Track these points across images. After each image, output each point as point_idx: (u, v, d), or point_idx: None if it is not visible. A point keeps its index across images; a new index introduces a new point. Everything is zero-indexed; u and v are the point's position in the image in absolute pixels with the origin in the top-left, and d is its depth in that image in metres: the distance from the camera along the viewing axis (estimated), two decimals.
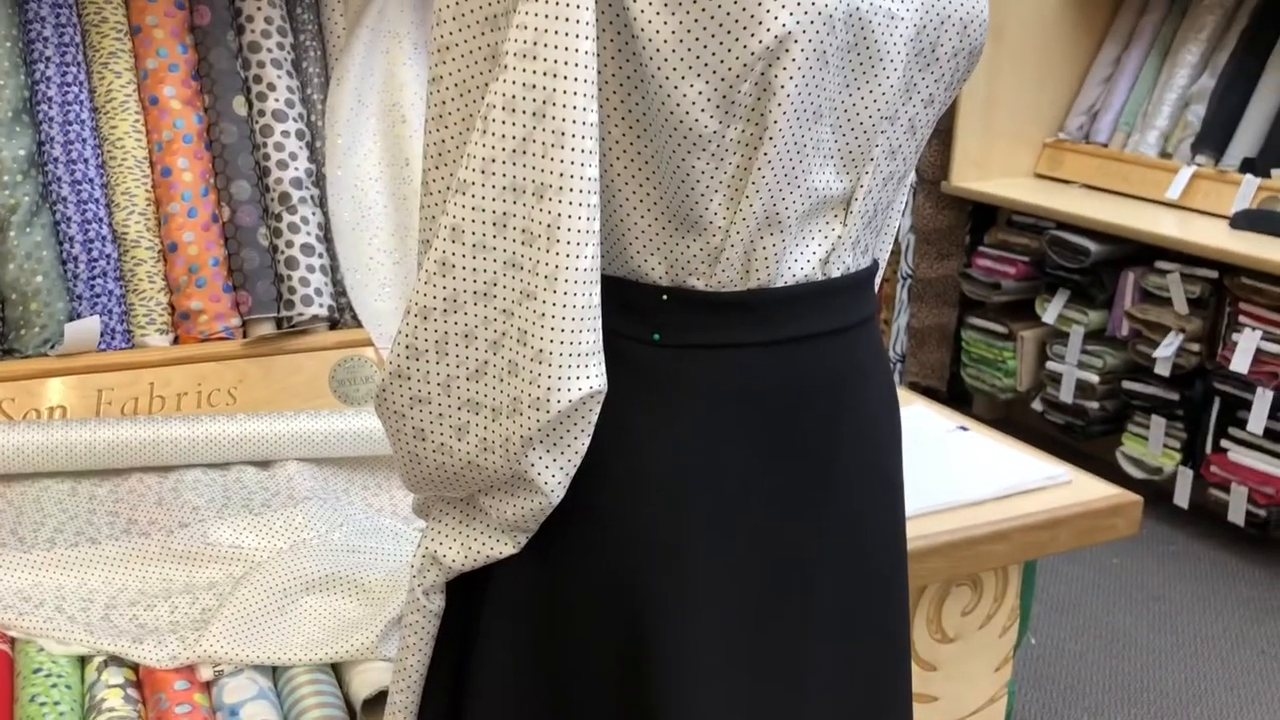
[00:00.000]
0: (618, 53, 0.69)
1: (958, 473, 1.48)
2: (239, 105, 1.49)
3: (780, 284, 0.74)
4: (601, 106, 0.70)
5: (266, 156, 1.49)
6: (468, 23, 0.70)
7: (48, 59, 1.40)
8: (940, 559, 1.33)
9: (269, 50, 1.50)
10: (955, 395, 3.56)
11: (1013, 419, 3.49)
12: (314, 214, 1.51)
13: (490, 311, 0.69)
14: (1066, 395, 3.08)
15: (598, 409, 0.71)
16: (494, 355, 0.70)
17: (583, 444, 0.71)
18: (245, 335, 1.46)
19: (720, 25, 0.66)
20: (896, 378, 3.59)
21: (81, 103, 1.41)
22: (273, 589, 1.00)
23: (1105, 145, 3.26)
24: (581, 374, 0.68)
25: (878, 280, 0.86)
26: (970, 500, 1.40)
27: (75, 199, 1.39)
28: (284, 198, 1.49)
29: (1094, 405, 3.04)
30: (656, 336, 0.74)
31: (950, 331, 3.51)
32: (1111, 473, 3.01)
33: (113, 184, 1.42)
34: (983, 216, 3.40)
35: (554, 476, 0.71)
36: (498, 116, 0.67)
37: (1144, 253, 2.88)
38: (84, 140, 1.41)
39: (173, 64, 1.45)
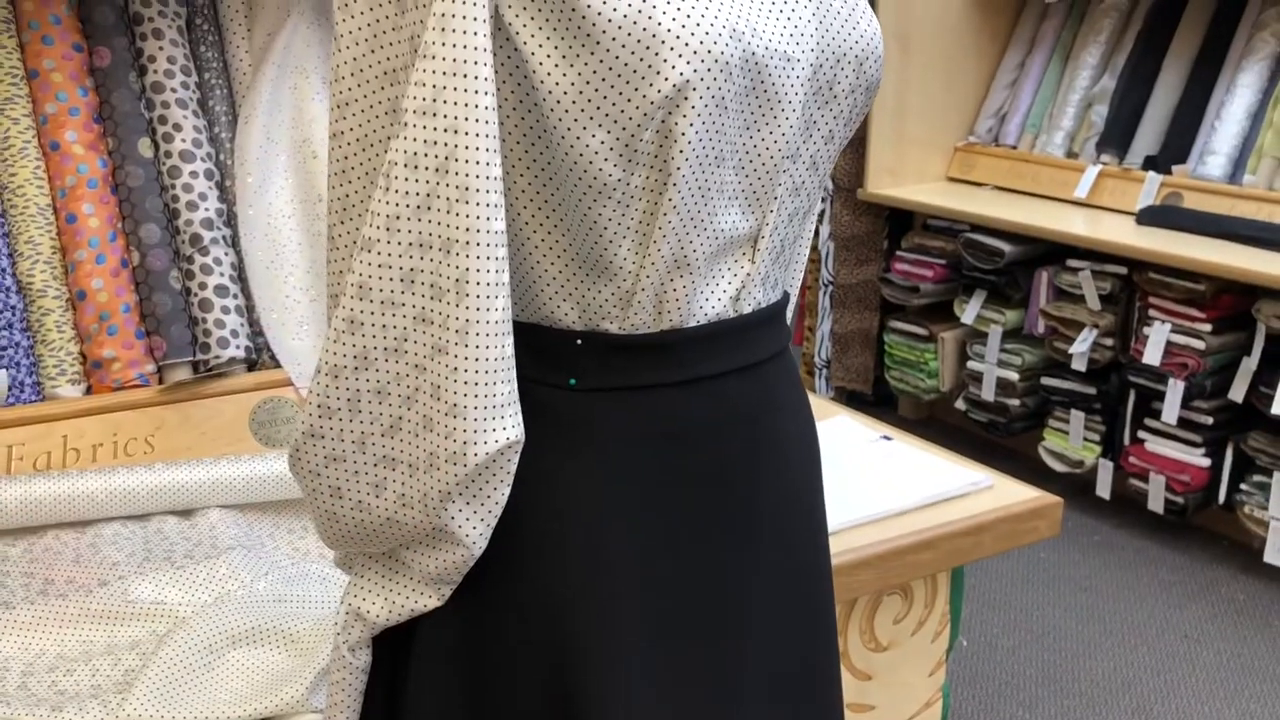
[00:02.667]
0: (519, 104, 0.69)
1: (882, 483, 1.50)
2: (144, 147, 1.46)
3: (693, 324, 0.75)
4: (506, 157, 0.70)
5: (175, 198, 1.47)
6: (366, 78, 0.69)
7: None
8: (869, 571, 1.35)
9: (173, 90, 1.48)
10: (880, 398, 3.61)
11: (937, 418, 3.56)
12: (227, 254, 1.48)
13: (402, 367, 0.68)
14: (988, 393, 3.14)
15: (516, 458, 0.70)
16: (408, 411, 0.69)
17: (502, 494, 0.71)
18: (161, 381, 1.43)
19: (619, 76, 0.67)
20: (822, 384, 3.63)
21: None
22: (198, 645, 0.98)
23: (1014, 147, 3.34)
24: (497, 425, 0.68)
25: (789, 312, 0.87)
26: (895, 510, 1.42)
27: None
28: (195, 239, 1.46)
29: (1015, 402, 3.10)
30: (572, 381, 0.74)
31: (873, 335, 3.56)
32: (1035, 467, 3.08)
33: (15, 233, 1.39)
34: (899, 221, 3.46)
35: (475, 528, 0.71)
36: (400, 174, 0.67)
37: (1056, 251, 2.95)
38: None
39: (73, 108, 1.42)
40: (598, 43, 0.66)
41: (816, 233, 3.50)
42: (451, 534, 0.71)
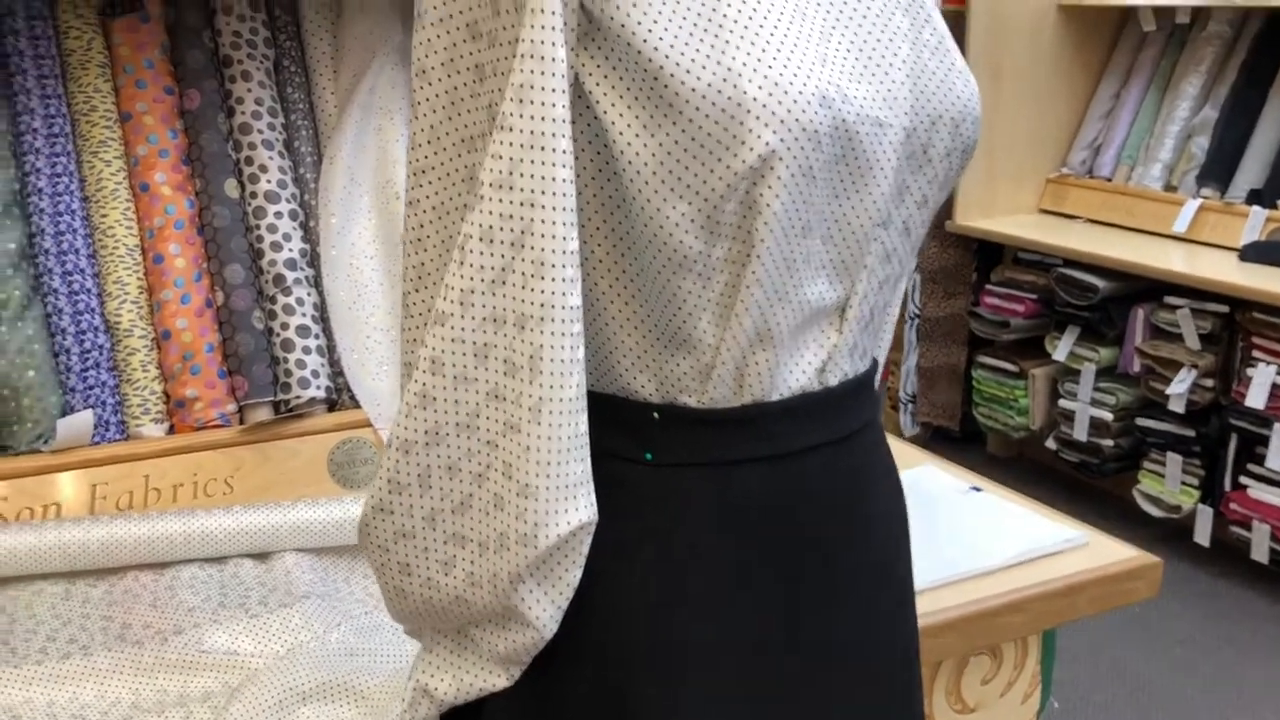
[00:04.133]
0: (598, 173, 0.67)
1: (970, 539, 1.44)
2: (231, 188, 1.48)
3: (776, 397, 0.72)
4: (584, 226, 0.68)
5: (260, 238, 1.48)
6: (443, 145, 0.68)
7: (37, 150, 1.39)
8: (954, 634, 1.30)
9: (260, 131, 1.49)
10: (968, 434, 3.53)
11: (1027, 456, 3.46)
12: (309, 295, 1.49)
13: (474, 444, 0.67)
14: (1080, 433, 3.04)
15: (589, 540, 0.68)
16: (479, 489, 0.67)
17: (574, 576, 0.68)
18: (242, 421, 1.44)
19: (701, 146, 0.64)
20: (907, 419, 3.55)
21: (72, 193, 1.40)
22: (268, 701, 0.97)
23: (1109, 179, 3.24)
24: (570, 506, 0.66)
25: (877, 379, 0.83)
26: (984, 569, 1.37)
27: (67, 290, 1.38)
28: (278, 279, 1.47)
29: (1109, 443, 3.00)
30: (649, 455, 0.72)
31: (960, 370, 3.48)
32: (1129, 511, 2.97)
33: (104, 273, 1.41)
34: (989, 254, 3.38)
35: (545, 610, 0.68)
36: (475, 247, 0.65)
37: (1153, 288, 2.86)
38: (74, 230, 1.39)
39: (162, 149, 1.44)
40: (680, 112, 0.64)
41: None
42: (521, 615, 0.68)
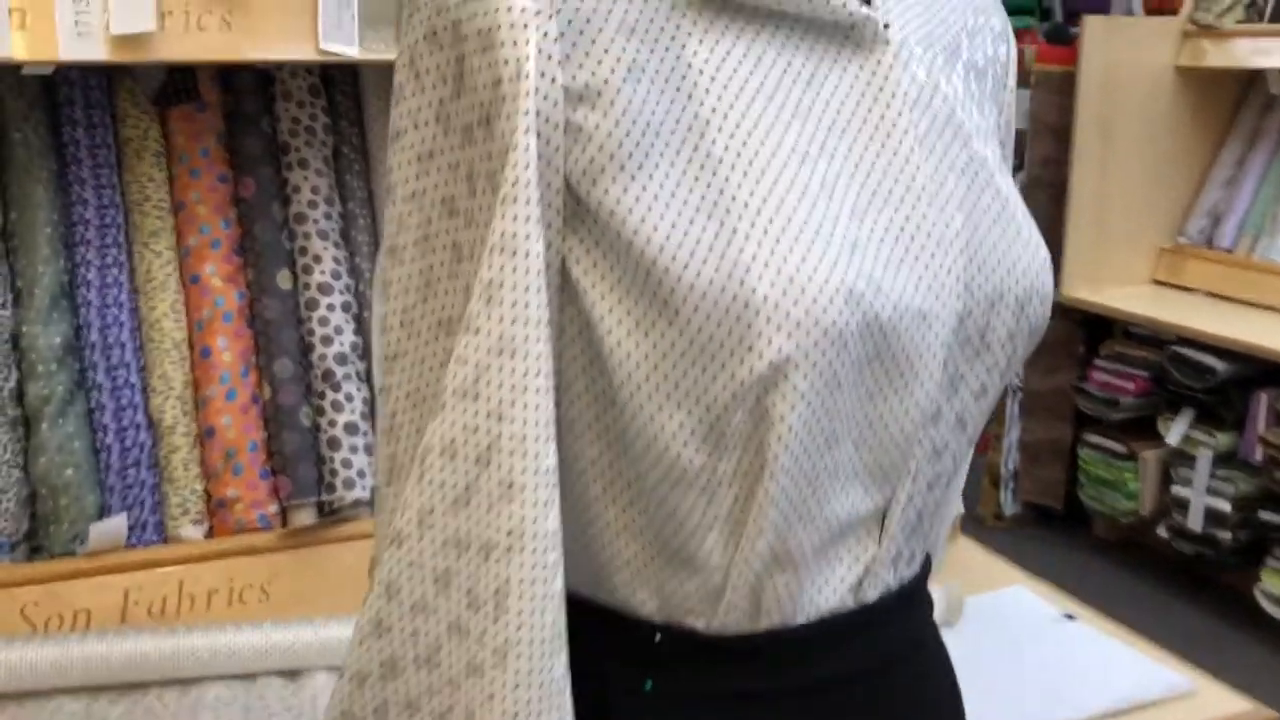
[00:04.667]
0: (589, 364, 0.59)
1: (1059, 679, 1.31)
2: (283, 279, 1.43)
3: (801, 621, 0.62)
4: (575, 420, 0.60)
5: (311, 331, 1.43)
6: (418, 329, 0.60)
7: (88, 241, 1.36)
8: None
9: (315, 221, 1.45)
10: (1073, 515, 3.34)
11: (1136, 542, 3.25)
12: (359, 390, 1.43)
13: (435, 680, 0.58)
14: (1195, 523, 2.84)
15: None
16: None
17: None
18: (284, 522, 1.39)
19: (702, 350, 0.55)
20: (1009, 497, 3.38)
21: (121, 285, 1.37)
22: None
23: (1230, 251, 3.05)
24: None
25: (933, 572, 0.73)
26: (1076, 717, 1.24)
27: (110, 385, 1.34)
28: (328, 374, 1.42)
29: (1226, 535, 2.79)
30: (649, 685, 0.62)
31: (1065, 448, 3.30)
32: (1249, 610, 2.75)
33: (150, 367, 1.37)
34: (1098, 326, 3.20)
35: None
36: (435, 462, 0.57)
37: (1278, 371, 2.66)
38: (121, 324, 1.36)
39: (214, 240, 1.40)
40: (677, 312, 0.55)
41: None
42: None
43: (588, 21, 0.56)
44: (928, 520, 0.67)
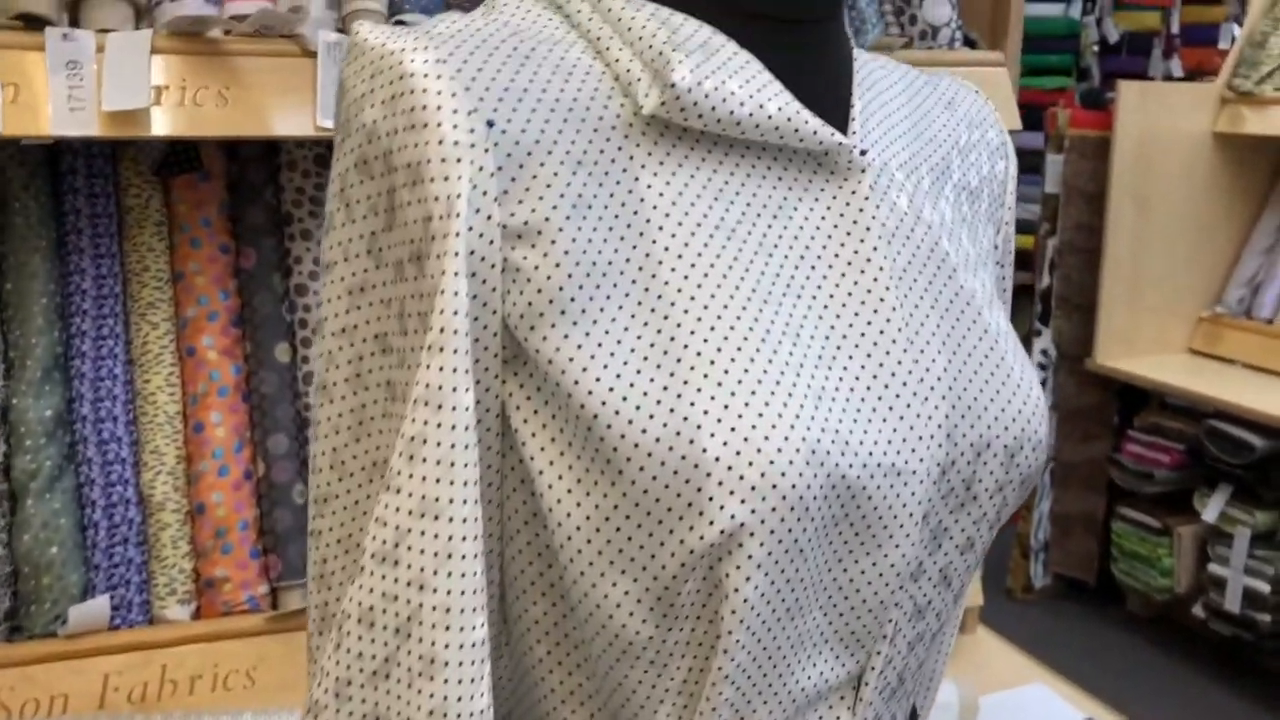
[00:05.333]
0: (531, 517, 0.54)
1: None
2: (282, 352, 1.40)
3: None
4: (518, 576, 0.56)
5: (307, 406, 1.40)
6: (349, 470, 0.56)
7: (84, 312, 1.34)
8: None
9: (316, 293, 1.42)
10: (1105, 589, 3.24)
11: (1172, 620, 3.14)
12: None
13: None
14: (1232, 604, 2.74)
15: None
16: None
17: None
18: (275, 604, 1.34)
19: (649, 514, 0.50)
20: (1039, 569, 3.28)
21: (115, 356, 1.35)
22: None
23: (1270, 321, 2.96)
24: None
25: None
26: None
27: (101, 460, 1.31)
28: None
29: (1265, 618, 2.69)
30: None
31: (1098, 520, 3.21)
32: None
33: (142, 442, 1.34)
34: (1133, 396, 3.12)
35: None
36: (353, 630, 0.52)
37: None
38: (114, 397, 1.33)
39: (212, 312, 1.38)
40: (620, 471, 0.50)
41: None
42: None
43: (528, 154, 0.51)
44: (911, 680, 0.62)
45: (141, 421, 1.35)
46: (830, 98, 0.60)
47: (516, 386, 0.53)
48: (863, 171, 0.58)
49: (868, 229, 0.57)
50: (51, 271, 1.32)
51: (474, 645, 0.51)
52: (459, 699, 0.50)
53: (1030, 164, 3.52)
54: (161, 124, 1.14)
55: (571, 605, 0.55)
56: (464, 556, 0.50)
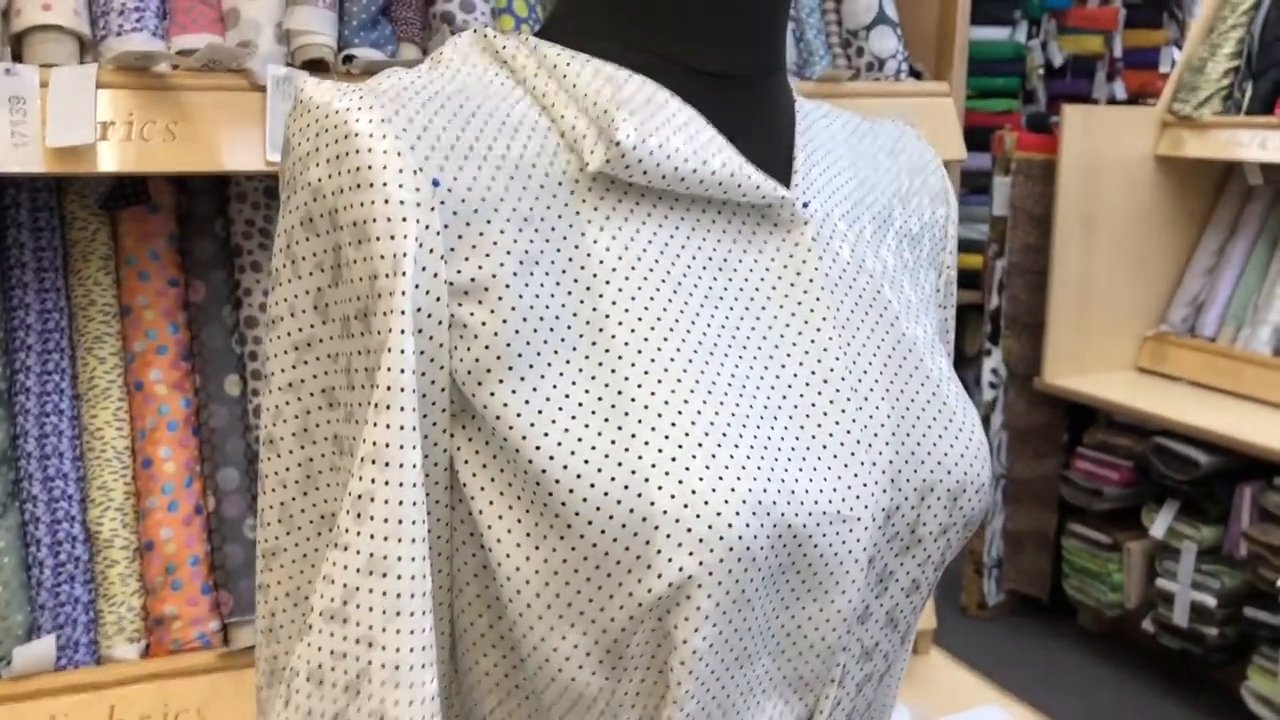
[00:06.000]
0: (481, 570, 0.54)
1: None
2: (231, 385, 1.39)
3: None
4: (469, 628, 0.56)
5: (258, 439, 1.38)
6: (297, 524, 0.56)
7: (29, 347, 1.32)
8: None
9: (266, 324, 1.41)
10: (1058, 605, 3.27)
11: (1123, 635, 3.18)
12: None
13: None
14: (1180, 618, 2.78)
15: None
16: None
17: None
18: (226, 640, 1.33)
19: (597, 568, 0.51)
20: (992, 586, 3.31)
21: (62, 391, 1.33)
22: None
23: (1213, 340, 3.02)
24: None
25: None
26: None
27: (46, 497, 1.29)
28: None
29: (1212, 632, 2.73)
30: None
31: (1050, 537, 3.25)
32: (1235, 708, 2.68)
33: (89, 478, 1.32)
34: (1081, 413, 3.17)
35: None
36: (302, 688, 0.52)
37: (1261, 466, 2.62)
38: (60, 433, 1.32)
39: (161, 345, 1.36)
40: (569, 525, 0.51)
41: (987, 422, 3.24)
42: None
43: (475, 212, 0.52)
44: (862, 715, 0.63)
45: (89, 457, 1.33)
46: (773, 151, 0.61)
47: (465, 440, 0.53)
48: (805, 223, 0.59)
49: (810, 280, 0.58)
50: None
51: (424, 701, 0.51)
52: None
53: (978, 185, 3.58)
54: (109, 159, 1.13)
55: (522, 657, 0.55)
56: (413, 614, 0.51)
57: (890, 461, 0.58)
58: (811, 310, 0.58)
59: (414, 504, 0.50)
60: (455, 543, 0.55)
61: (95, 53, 1.18)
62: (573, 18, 0.59)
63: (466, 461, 0.53)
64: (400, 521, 0.50)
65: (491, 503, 0.53)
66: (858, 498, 0.56)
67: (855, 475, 0.56)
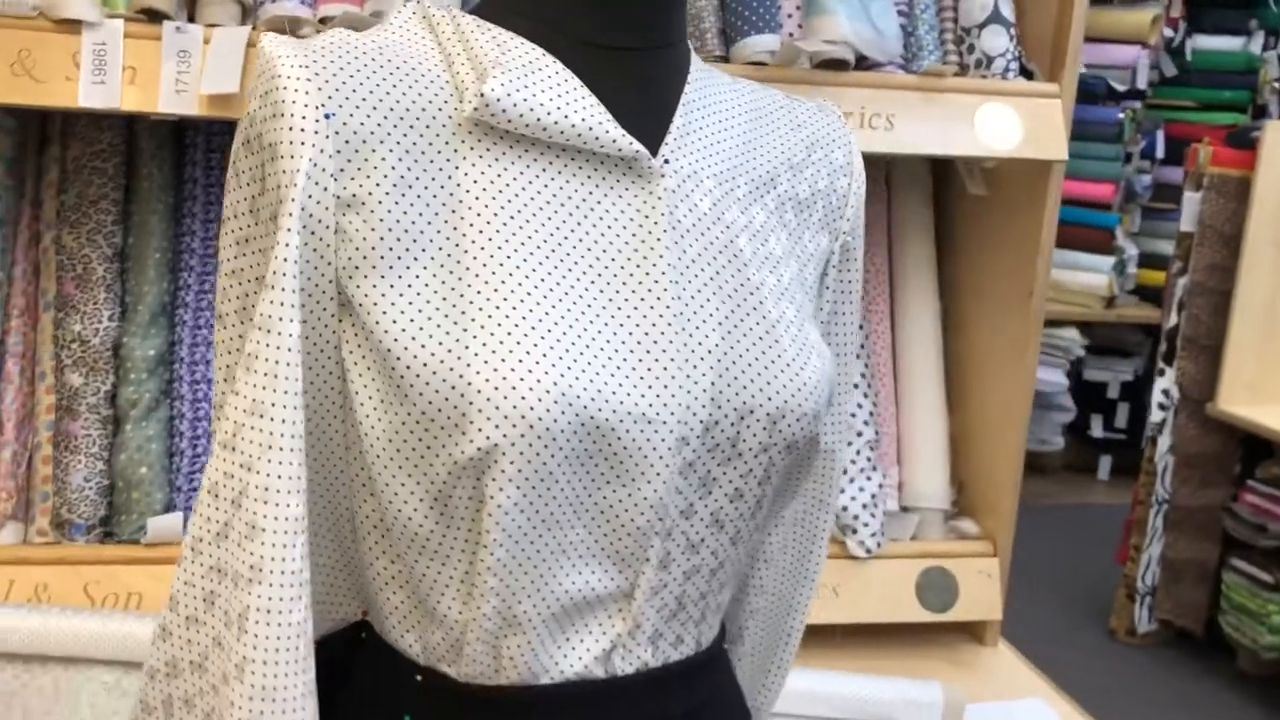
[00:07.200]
0: (355, 431, 0.66)
1: None
2: None
3: (546, 681, 0.68)
4: (354, 479, 0.68)
5: None
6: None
7: (191, 268, 1.54)
8: None
9: None
10: (1214, 642, 3.14)
11: None
12: None
13: (204, 684, 0.67)
14: None
15: None
16: None
17: None
18: None
19: (427, 430, 0.63)
20: (1144, 614, 3.20)
21: (213, 308, 1.54)
22: None
23: None
24: None
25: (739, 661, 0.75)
26: None
27: (191, 398, 1.50)
28: None
29: None
30: (408, 718, 0.69)
31: (1210, 570, 3.12)
32: None
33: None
34: (1256, 444, 3.02)
35: None
36: (204, 499, 0.66)
37: None
38: (209, 342, 1.52)
39: None
40: (406, 395, 0.63)
41: (1154, 443, 3.13)
42: None
43: (363, 142, 0.64)
44: (694, 608, 0.71)
45: None
46: (651, 114, 0.70)
47: (348, 326, 0.65)
48: (662, 176, 0.68)
49: (655, 224, 0.68)
50: (167, 230, 1.52)
51: (289, 519, 0.63)
52: (274, 559, 0.63)
53: (1174, 198, 3.45)
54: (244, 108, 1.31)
55: (380, 502, 0.67)
56: (282, 449, 0.63)
57: (712, 384, 0.67)
58: (650, 248, 0.67)
59: (289, 364, 0.63)
60: (348, 408, 0.67)
61: (254, 17, 1.37)
62: None
63: (346, 342, 0.65)
64: (277, 376, 0.63)
65: (360, 375, 0.65)
66: (665, 405, 0.65)
67: (665, 387, 0.65)
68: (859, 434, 1.64)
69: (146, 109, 1.30)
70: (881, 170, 1.75)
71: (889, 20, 1.52)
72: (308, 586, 0.64)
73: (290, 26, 1.33)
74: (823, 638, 1.62)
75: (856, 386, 1.65)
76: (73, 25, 1.29)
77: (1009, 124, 1.50)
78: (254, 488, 0.63)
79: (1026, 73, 1.58)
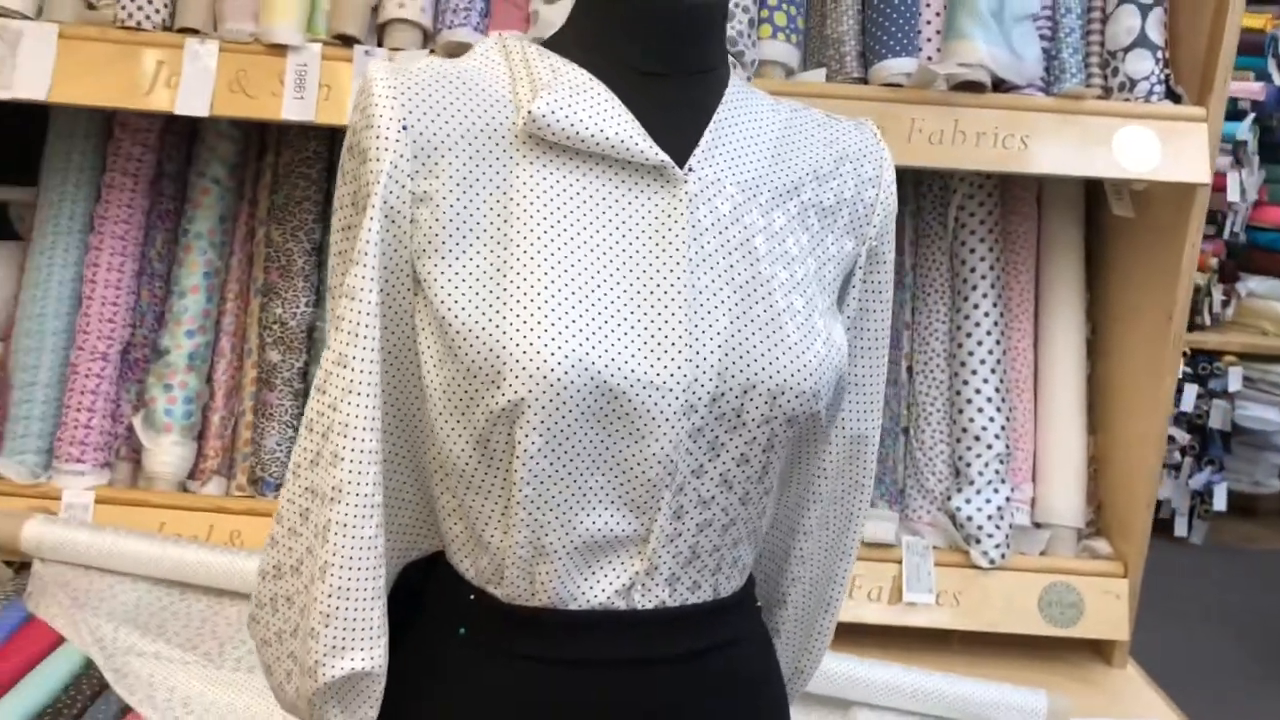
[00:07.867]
0: (421, 380, 0.80)
1: None
2: None
3: (573, 607, 0.79)
4: (423, 425, 0.81)
5: None
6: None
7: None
8: None
9: None
10: None
11: None
12: None
13: (299, 584, 0.81)
14: None
15: (376, 686, 0.79)
16: (302, 621, 0.81)
17: (368, 713, 0.79)
18: None
19: (470, 384, 0.75)
20: None
21: None
22: None
23: None
24: (347, 655, 0.77)
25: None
26: None
27: None
28: None
29: None
30: (463, 630, 0.81)
31: None
32: None
33: None
34: None
35: None
36: (303, 432, 0.80)
37: None
38: None
39: None
40: (455, 354, 0.76)
41: None
42: None
43: (435, 149, 0.78)
44: (708, 557, 0.82)
45: None
46: (683, 130, 0.82)
47: (419, 298, 0.79)
48: (685, 182, 0.79)
49: (675, 222, 0.78)
50: None
51: (363, 451, 0.77)
52: (351, 483, 0.77)
53: None
54: None
55: (436, 445, 0.80)
56: (360, 394, 0.77)
57: (720, 360, 0.77)
58: (670, 243, 0.78)
59: (368, 325, 0.77)
60: (418, 363, 0.80)
61: (433, 42, 1.54)
62: (569, 30, 0.84)
63: (419, 312, 0.79)
64: (357, 335, 0.77)
65: (425, 338, 0.78)
66: (672, 375, 0.76)
67: (673, 360, 0.76)
68: (989, 446, 1.67)
69: (337, 121, 1.49)
70: (1032, 190, 1.78)
71: (1029, 45, 1.56)
72: (380, 508, 0.78)
73: (452, 50, 1.50)
74: (938, 642, 1.66)
75: (990, 400, 1.69)
76: (280, 49, 1.50)
77: (1148, 146, 1.52)
78: (337, 424, 0.77)
79: (1174, 96, 1.58)
